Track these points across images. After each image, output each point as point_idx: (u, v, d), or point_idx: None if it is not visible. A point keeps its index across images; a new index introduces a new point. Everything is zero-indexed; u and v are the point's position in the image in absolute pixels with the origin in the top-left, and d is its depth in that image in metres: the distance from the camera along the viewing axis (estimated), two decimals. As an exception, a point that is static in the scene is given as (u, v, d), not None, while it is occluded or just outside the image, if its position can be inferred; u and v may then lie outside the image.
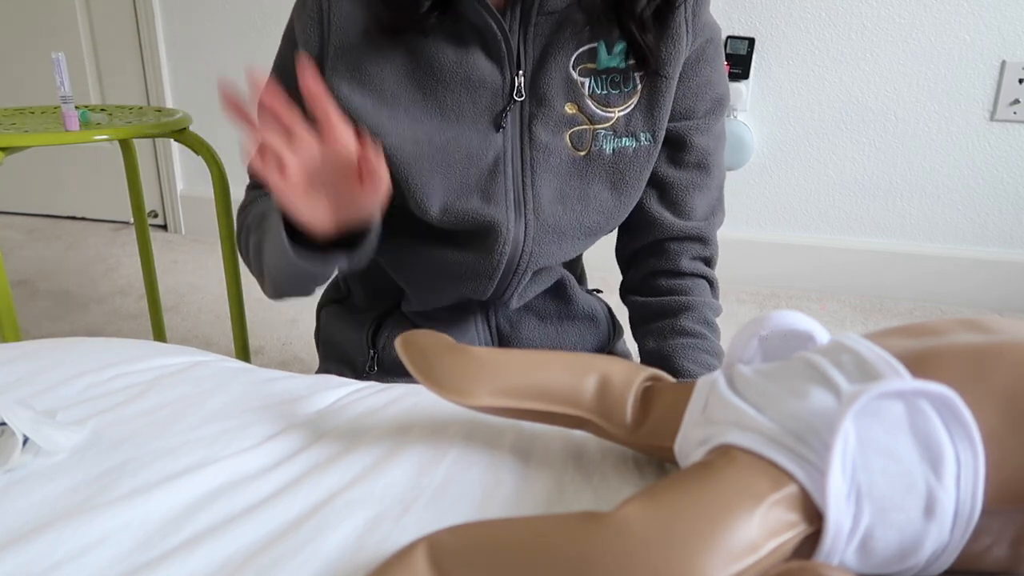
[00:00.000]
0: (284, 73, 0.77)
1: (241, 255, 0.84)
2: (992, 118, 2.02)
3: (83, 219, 2.83)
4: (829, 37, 2.05)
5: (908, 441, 0.32)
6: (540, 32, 0.72)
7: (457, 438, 0.49)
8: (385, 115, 0.72)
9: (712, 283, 0.84)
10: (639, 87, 0.74)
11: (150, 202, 2.68)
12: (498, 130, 0.74)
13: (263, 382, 0.59)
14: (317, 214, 0.63)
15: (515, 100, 0.73)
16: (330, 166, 0.61)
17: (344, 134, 0.59)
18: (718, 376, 0.40)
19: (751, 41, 2.08)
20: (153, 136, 1.35)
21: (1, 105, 1.57)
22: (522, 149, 0.74)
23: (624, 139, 0.75)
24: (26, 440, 0.44)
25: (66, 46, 2.56)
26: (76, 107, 1.30)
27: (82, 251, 2.52)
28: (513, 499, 0.43)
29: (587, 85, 0.74)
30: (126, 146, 1.58)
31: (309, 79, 0.56)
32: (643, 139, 0.76)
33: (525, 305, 0.84)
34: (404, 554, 0.32)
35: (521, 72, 0.73)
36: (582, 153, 0.75)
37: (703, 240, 0.82)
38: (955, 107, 2.03)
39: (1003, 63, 1.97)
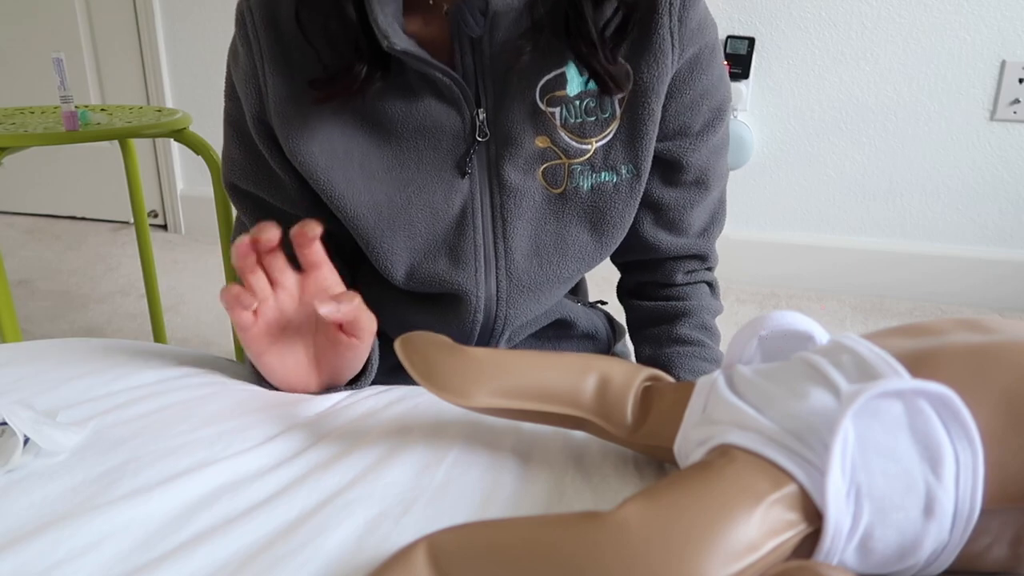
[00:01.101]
0: (239, 129, 0.70)
1: None
2: (992, 118, 2.02)
3: (83, 219, 2.83)
4: (829, 37, 2.05)
5: (907, 441, 0.32)
6: (497, 63, 0.63)
7: (457, 439, 0.49)
8: (339, 176, 0.65)
9: (712, 285, 0.81)
10: (618, 112, 0.65)
11: (150, 202, 2.68)
12: (463, 176, 0.66)
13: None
14: (288, 366, 0.58)
15: (478, 141, 0.65)
16: (306, 316, 0.57)
17: (328, 282, 0.55)
18: (718, 376, 0.40)
19: (751, 41, 2.08)
20: (153, 136, 1.36)
21: (1, 105, 1.57)
22: (491, 195, 0.67)
23: (603, 174, 0.67)
24: (27, 440, 0.45)
25: (66, 46, 2.56)
26: (76, 107, 1.30)
27: (82, 251, 2.52)
28: (513, 500, 0.43)
29: (558, 115, 0.65)
30: (126, 146, 1.58)
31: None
32: (624, 172, 0.67)
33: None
34: (404, 554, 0.32)
35: (481, 109, 0.65)
36: (557, 191, 0.67)
37: (701, 257, 0.78)
38: (955, 107, 2.03)
39: (1003, 63, 1.97)
